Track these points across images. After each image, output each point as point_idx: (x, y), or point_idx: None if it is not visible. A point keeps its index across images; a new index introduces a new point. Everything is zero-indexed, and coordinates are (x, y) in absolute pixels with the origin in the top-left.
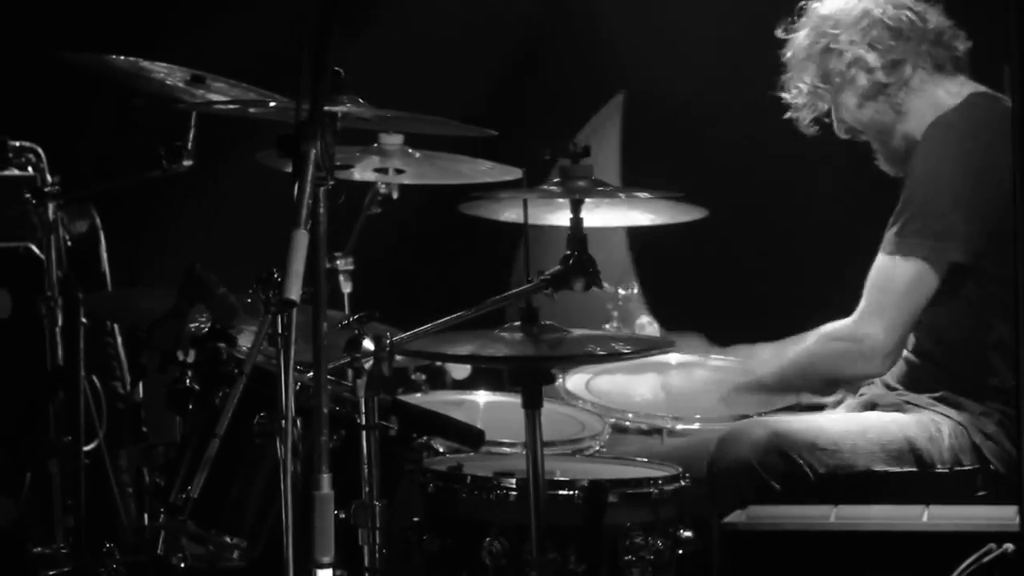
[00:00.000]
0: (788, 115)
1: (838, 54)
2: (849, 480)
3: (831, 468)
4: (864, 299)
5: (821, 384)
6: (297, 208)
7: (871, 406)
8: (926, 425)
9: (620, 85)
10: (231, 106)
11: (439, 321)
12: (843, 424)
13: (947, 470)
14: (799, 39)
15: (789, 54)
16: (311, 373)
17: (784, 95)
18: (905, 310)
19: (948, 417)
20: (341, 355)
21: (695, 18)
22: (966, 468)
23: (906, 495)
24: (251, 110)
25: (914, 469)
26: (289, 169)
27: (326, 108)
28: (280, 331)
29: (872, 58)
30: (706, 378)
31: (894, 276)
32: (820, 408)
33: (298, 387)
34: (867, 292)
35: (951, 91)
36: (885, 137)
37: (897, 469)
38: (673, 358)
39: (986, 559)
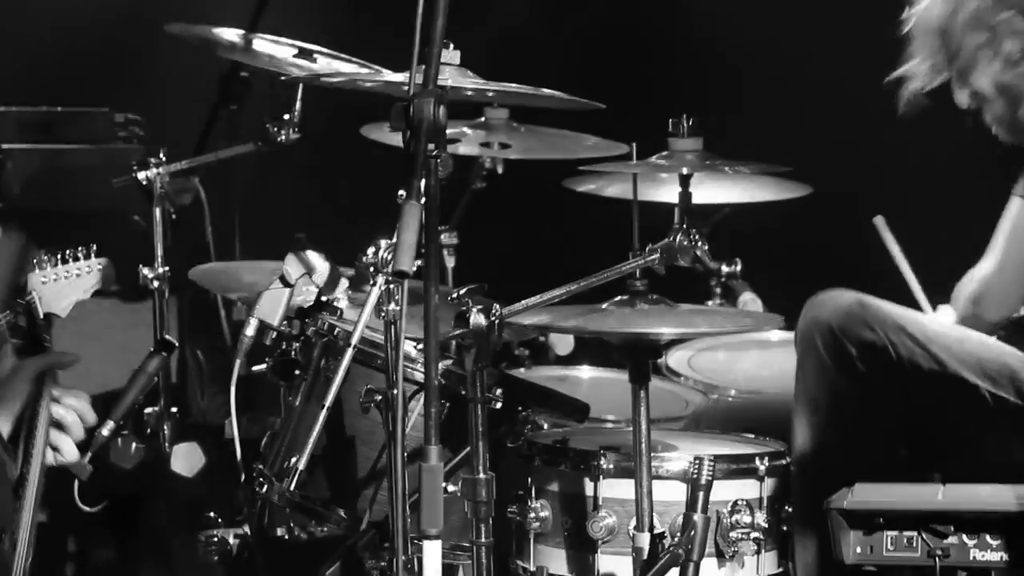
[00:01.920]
0: (899, 84)
1: (982, 18)
2: (937, 380)
3: (916, 358)
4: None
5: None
6: (410, 180)
7: None
8: None
9: (728, 59)
10: (338, 79)
11: (548, 294)
12: (943, 326)
13: None
14: (932, 5)
15: (916, 21)
16: (420, 345)
17: (902, 68)
18: (1014, 250)
19: None
20: (449, 328)
21: None
22: None
23: (998, 423)
24: (359, 83)
25: (1013, 398)
26: (395, 141)
27: (438, 80)
28: (388, 303)
29: (1020, 21)
30: None
31: (1013, 215)
32: None
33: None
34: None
35: None
36: (1016, 104)
37: (991, 389)
38: (775, 335)
39: None
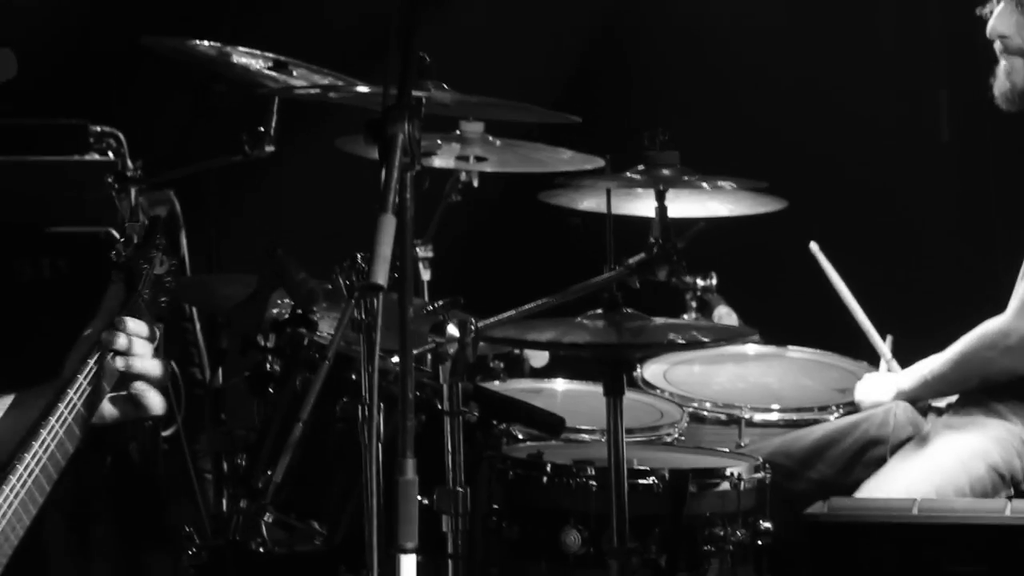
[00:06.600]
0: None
1: None
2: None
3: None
4: (1016, 293)
5: (970, 382)
6: (385, 193)
7: None
8: (1005, 440)
9: (704, 71)
10: (313, 91)
11: (524, 307)
12: (925, 480)
13: None
14: None
15: None
16: (394, 358)
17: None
18: None
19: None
20: (425, 341)
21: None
22: None
23: None
24: (333, 95)
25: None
26: (371, 154)
27: (412, 93)
28: (363, 316)
29: None
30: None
31: None
32: None
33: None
34: (1018, 285)
35: None
36: None
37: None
38: (751, 349)
39: None
